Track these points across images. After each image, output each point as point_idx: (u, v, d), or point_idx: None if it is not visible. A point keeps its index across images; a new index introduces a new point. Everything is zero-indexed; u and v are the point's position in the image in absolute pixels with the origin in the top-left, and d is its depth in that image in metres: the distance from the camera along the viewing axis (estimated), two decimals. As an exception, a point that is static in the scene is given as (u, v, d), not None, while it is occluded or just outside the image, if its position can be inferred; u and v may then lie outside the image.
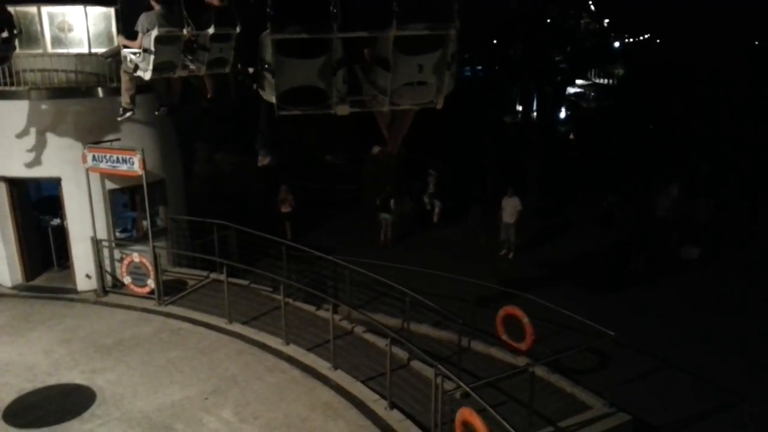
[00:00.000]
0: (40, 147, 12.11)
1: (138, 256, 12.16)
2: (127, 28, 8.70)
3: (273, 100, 4.11)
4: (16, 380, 9.53)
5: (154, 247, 11.99)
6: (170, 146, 13.95)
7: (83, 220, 12.39)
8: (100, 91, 12.26)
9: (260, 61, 4.16)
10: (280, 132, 5.03)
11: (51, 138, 12.13)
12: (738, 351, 13.05)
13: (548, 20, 22.98)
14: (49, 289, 13.00)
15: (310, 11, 3.94)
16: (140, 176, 11.70)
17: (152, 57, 8.00)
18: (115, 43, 12.42)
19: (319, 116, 4.53)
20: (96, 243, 12.34)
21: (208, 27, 7.68)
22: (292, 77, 4.02)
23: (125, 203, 14.27)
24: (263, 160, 5.20)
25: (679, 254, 17.58)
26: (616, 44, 62.61)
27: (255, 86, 4.40)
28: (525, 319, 10.85)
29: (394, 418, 8.60)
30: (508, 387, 9.46)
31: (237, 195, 22.21)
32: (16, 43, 9.88)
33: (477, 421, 7.16)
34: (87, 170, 12.04)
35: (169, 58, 8.09)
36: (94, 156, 11.84)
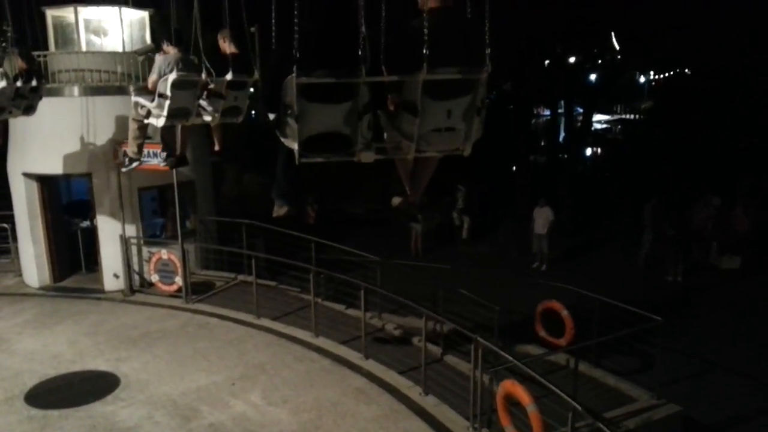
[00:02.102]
0: (71, 144, 12.16)
1: (166, 253, 12.01)
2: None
3: (295, 146, 3.92)
4: (39, 367, 9.31)
5: (182, 243, 11.83)
6: (201, 151, 13.91)
7: (113, 218, 12.34)
8: (132, 90, 12.30)
9: (283, 106, 3.95)
10: (297, 181, 4.77)
11: (83, 135, 12.17)
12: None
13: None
14: (76, 290, 12.87)
15: (338, 55, 3.81)
16: (170, 172, 11.61)
17: (168, 102, 7.52)
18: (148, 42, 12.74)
19: (337, 165, 4.35)
20: (125, 241, 12.24)
21: (226, 73, 7.31)
22: (317, 123, 3.84)
23: (154, 210, 14.24)
24: (279, 210, 4.87)
25: (719, 264, 16.94)
26: (641, 79, 62.63)
27: (276, 133, 4.19)
28: (564, 312, 10.41)
29: (429, 403, 8.17)
30: (549, 381, 8.98)
31: (265, 215, 22.07)
32: (42, 92, 9.84)
33: (520, 391, 6.73)
34: (118, 166, 12.02)
35: (185, 105, 7.67)
36: (125, 151, 11.81)
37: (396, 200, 4.83)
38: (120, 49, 12.41)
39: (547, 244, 17.60)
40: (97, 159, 12.21)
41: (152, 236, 13.56)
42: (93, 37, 12.97)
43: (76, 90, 12.11)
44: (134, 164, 9.65)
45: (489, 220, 20.94)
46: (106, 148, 12.11)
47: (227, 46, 7.40)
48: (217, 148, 9.48)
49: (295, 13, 3.65)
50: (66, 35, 12.72)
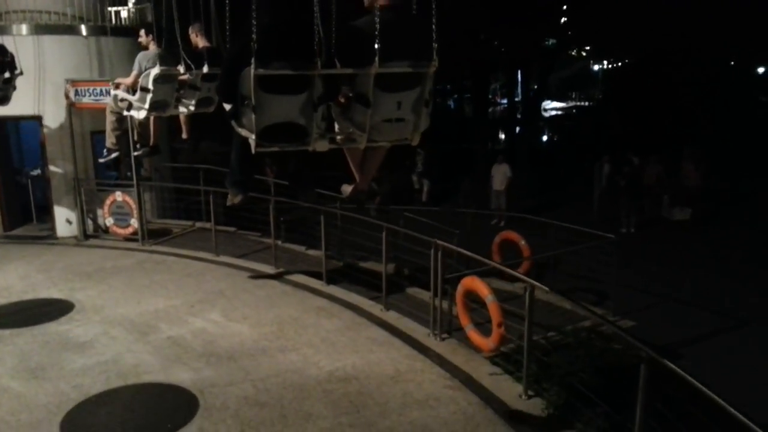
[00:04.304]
0: (20, 85, 11.64)
1: (121, 195, 11.79)
2: None
3: (251, 136, 4.03)
4: (-11, 297, 9.06)
5: (138, 184, 11.62)
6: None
7: (65, 162, 12.02)
8: (83, 29, 12.02)
9: (240, 97, 4.07)
10: (251, 169, 4.91)
11: (32, 76, 11.71)
12: (742, 285, 12.98)
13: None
14: (28, 237, 12.54)
15: (295, 48, 3.95)
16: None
17: (149, 96, 7.77)
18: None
19: (286, 153, 4.50)
20: (77, 184, 11.95)
21: (200, 66, 7.42)
22: (274, 113, 3.97)
23: (108, 164, 13.91)
24: (234, 199, 4.98)
25: (671, 216, 17.49)
26: (596, 67, 64.09)
27: (232, 123, 4.28)
28: (522, 242, 10.62)
29: (390, 316, 8.23)
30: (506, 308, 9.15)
31: (223, 184, 21.76)
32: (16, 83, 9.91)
33: (479, 285, 6.84)
34: (70, 107, 11.73)
35: (164, 97, 7.92)
36: (77, 90, 11.54)
37: (346, 188, 5.04)
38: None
39: (505, 200, 17.85)
40: (47, 101, 11.86)
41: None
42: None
43: (24, 28, 11.72)
44: (113, 155, 9.81)
45: (449, 184, 21.10)
46: (57, 90, 11.76)
47: (199, 40, 7.58)
48: (185, 136, 9.58)
49: (253, 6, 3.77)
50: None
